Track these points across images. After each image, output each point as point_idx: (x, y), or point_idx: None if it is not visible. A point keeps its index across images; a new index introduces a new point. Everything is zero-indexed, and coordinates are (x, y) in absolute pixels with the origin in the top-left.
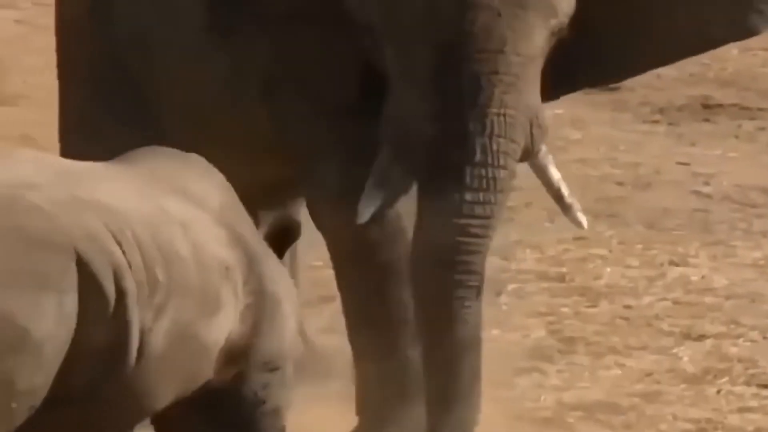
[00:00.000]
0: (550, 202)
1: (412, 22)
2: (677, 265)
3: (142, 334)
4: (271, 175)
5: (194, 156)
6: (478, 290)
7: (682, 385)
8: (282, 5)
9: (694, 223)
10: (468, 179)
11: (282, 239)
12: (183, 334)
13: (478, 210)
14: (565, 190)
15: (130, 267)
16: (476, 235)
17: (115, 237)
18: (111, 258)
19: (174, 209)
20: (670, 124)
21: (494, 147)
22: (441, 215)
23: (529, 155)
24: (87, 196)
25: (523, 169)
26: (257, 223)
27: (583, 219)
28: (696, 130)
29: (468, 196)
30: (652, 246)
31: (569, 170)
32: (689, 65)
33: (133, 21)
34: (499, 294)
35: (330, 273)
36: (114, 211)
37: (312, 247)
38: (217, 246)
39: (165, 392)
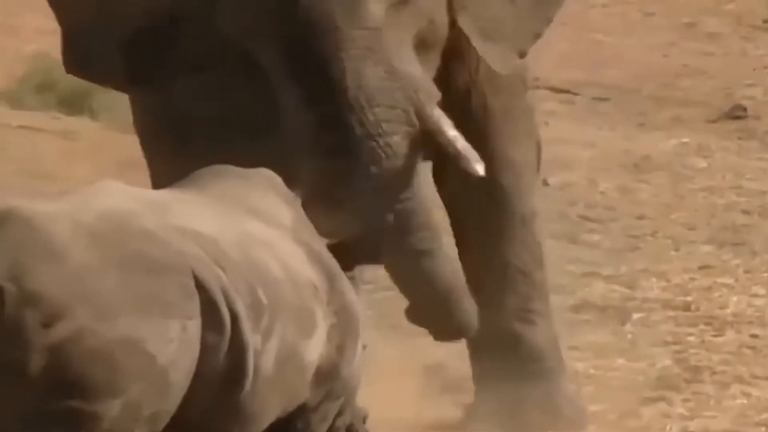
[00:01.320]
0: (676, 231)
1: (254, 20)
2: None
3: (255, 357)
4: None
5: (258, 171)
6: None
7: None
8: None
9: None
10: (360, 156)
11: (349, 253)
12: (288, 355)
13: (382, 180)
14: (460, 145)
15: (237, 291)
16: (400, 202)
17: (217, 262)
18: (221, 283)
19: (255, 230)
20: None
21: (370, 117)
22: (356, 199)
23: (425, 120)
24: (180, 224)
25: (643, 199)
26: None
27: (480, 168)
28: None
29: (370, 169)
30: None
31: (695, 199)
32: None
33: None
34: (624, 323)
35: None
36: (207, 237)
37: None
38: (301, 265)
39: (270, 414)
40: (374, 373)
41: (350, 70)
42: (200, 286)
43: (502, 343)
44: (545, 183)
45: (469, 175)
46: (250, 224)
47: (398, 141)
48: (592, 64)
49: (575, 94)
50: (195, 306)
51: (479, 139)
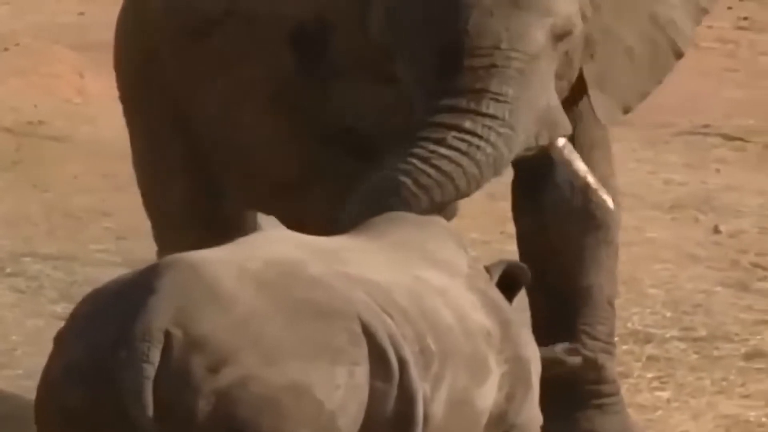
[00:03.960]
0: None
1: (413, 30)
2: None
3: (425, 404)
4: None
5: (434, 219)
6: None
7: None
8: (355, 60)
9: None
10: (450, 140)
11: (511, 286)
12: (459, 403)
13: (445, 165)
14: (591, 178)
15: (405, 338)
16: (458, 190)
17: (383, 309)
18: (388, 329)
19: (429, 278)
20: None
21: (486, 122)
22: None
23: (532, 152)
24: (348, 271)
25: None
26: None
27: (609, 200)
28: None
29: (442, 150)
30: None
31: None
32: None
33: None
34: None
35: None
36: (376, 284)
37: None
38: (474, 312)
39: None
40: None
41: (495, 84)
42: (367, 332)
43: (585, 373)
44: (717, 230)
45: (569, 204)
46: (424, 272)
47: (490, 152)
48: (764, 111)
49: (747, 141)
50: (362, 352)
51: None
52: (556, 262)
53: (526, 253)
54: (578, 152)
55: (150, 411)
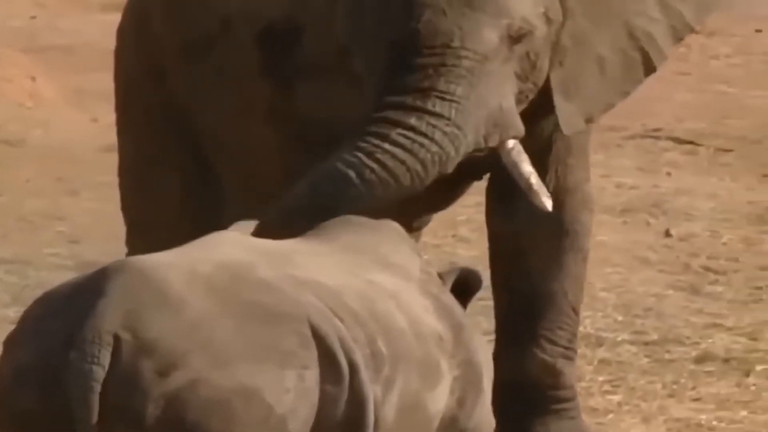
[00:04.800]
0: None
1: (368, 27)
2: None
3: (375, 408)
4: None
5: (388, 223)
6: None
7: None
8: (325, 61)
9: None
10: (395, 136)
11: (464, 292)
12: (411, 406)
13: (388, 161)
14: (534, 180)
15: (356, 341)
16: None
17: (334, 312)
18: (339, 332)
19: (382, 281)
20: None
21: (432, 120)
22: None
23: (480, 152)
24: (299, 274)
25: (766, 250)
26: None
27: (548, 202)
28: None
29: (386, 146)
30: None
31: None
32: None
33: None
34: (747, 375)
35: None
36: (326, 288)
37: None
38: (426, 316)
39: None
40: None
41: (443, 83)
42: (317, 336)
43: (543, 378)
44: (668, 234)
45: (541, 209)
46: (377, 276)
47: (434, 150)
48: (715, 114)
49: (698, 145)
50: (312, 355)
51: (559, 173)
52: (523, 265)
53: (496, 254)
54: (554, 157)
55: (95, 414)
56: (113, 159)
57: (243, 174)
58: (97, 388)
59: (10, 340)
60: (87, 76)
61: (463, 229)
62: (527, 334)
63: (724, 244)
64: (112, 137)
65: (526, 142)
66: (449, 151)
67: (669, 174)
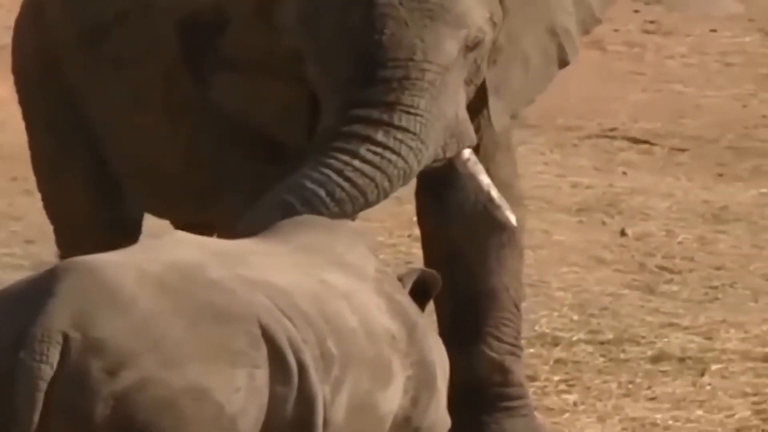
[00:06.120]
0: (754, 282)
1: (328, 37)
2: None
3: (324, 408)
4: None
5: (343, 223)
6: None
7: None
8: (249, 54)
9: None
10: (363, 152)
11: (423, 293)
12: (361, 406)
13: (358, 178)
14: (494, 193)
15: (305, 342)
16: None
17: (284, 313)
18: (288, 333)
19: (335, 281)
20: None
21: (398, 135)
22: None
23: (439, 163)
24: (250, 275)
25: (721, 249)
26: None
27: (512, 217)
28: None
29: (356, 163)
30: None
31: None
32: None
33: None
34: (702, 374)
35: None
36: (277, 288)
37: None
38: (380, 316)
39: None
40: None
41: (407, 97)
42: (267, 336)
43: (492, 376)
44: (624, 233)
45: (473, 206)
46: (330, 276)
47: (400, 165)
48: (670, 114)
49: (653, 144)
50: (262, 355)
51: (490, 170)
52: (460, 264)
53: (430, 255)
54: (483, 154)
55: (38, 412)
56: None
57: (134, 164)
58: (44, 386)
59: None
60: None
61: (418, 229)
62: (473, 334)
63: (680, 243)
64: None
65: None
66: (413, 165)
67: (625, 173)
